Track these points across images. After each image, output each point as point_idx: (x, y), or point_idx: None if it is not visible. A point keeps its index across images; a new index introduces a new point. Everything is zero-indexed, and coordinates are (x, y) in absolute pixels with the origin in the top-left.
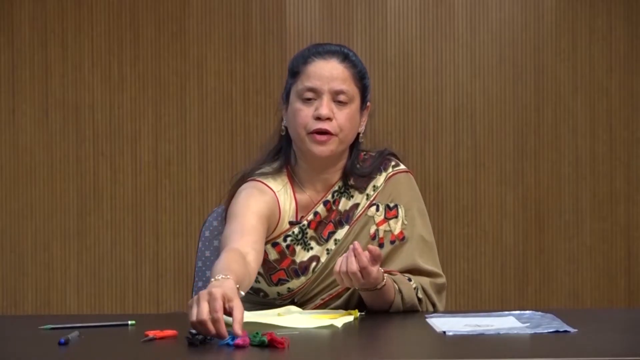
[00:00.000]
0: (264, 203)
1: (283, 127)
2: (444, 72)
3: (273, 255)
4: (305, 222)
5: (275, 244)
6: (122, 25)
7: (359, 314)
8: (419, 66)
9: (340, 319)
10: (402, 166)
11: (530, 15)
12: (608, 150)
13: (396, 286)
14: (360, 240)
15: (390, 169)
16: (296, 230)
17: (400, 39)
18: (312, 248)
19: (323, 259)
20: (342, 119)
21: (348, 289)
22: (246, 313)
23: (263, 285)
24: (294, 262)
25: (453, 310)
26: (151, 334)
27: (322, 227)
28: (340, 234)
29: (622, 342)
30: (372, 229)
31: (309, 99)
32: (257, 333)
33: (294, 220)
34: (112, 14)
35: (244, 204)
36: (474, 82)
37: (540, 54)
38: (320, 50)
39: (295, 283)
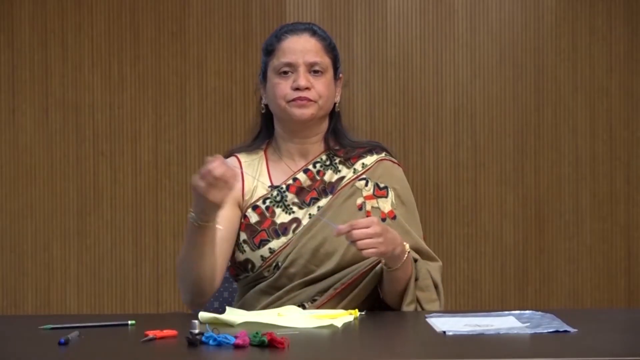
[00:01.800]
0: (231, 191)
1: (263, 106)
2: (444, 72)
3: (254, 218)
4: (283, 186)
5: (255, 207)
6: (122, 25)
7: (359, 314)
8: (419, 66)
9: (340, 319)
10: (394, 159)
11: (530, 15)
12: (608, 150)
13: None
14: (346, 210)
15: (383, 154)
16: (275, 193)
17: (400, 39)
18: (293, 212)
19: (304, 222)
20: (320, 87)
21: (362, 276)
22: (246, 313)
23: (248, 252)
24: (274, 222)
25: (453, 310)
26: (151, 334)
27: (305, 194)
28: (324, 201)
29: (622, 342)
30: (359, 201)
31: (286, 73)
32: (257, 333)
33: (270, 184)
34: (112, 14)
35: None
36: (474, 82)
37: (540, 54)
38: (292, 28)
39: (276, 243)
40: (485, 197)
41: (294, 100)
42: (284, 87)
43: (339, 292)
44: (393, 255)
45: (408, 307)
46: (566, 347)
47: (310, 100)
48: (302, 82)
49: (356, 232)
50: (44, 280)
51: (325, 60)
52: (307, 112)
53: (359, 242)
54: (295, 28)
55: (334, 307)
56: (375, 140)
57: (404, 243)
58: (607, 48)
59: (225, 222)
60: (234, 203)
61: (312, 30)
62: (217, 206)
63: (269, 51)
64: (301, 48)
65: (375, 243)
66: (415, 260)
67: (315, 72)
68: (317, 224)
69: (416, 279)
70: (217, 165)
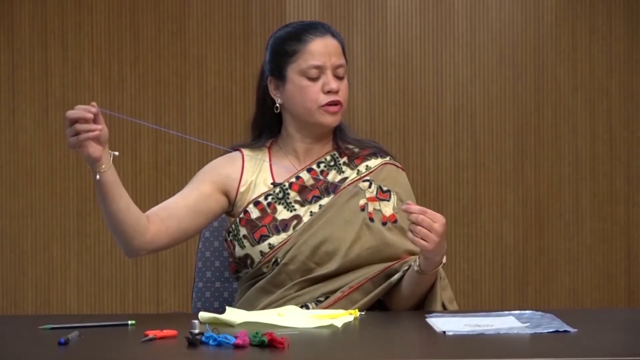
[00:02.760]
0: (221, 176)
1: (278, 105)
2: (444, 72)
3: (255, 213)
4: (286, 184)
5: (256, 203)
6: (122, 25)
7: (359, 313)
8: (419, 66)
9: (340, 319)
10: (398, 164)
11: (530, 15)
12: (608, 150)
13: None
14: (347, 209)
15: (387, 158)
16: (277, 190)
17: (400, 39)
18: (295, 209)
19: (305, 219)
20: (344, 91)
21: (372, 282)
22: (246, 313)
23: (248, 247)
24: (275, 219)
25: (453, 310)
26: (151, 334)
27: (307, 192)
28: (326, 200)
29: (622, 342)
30: (362, 201)
31: (314, 75)
32: (257, 333)
33: (273, 182)
34: (112, 14)
35: (201, 176)
36: (474, 82)
37: (540, 54)
38: (311, 28)
39: (276, 238)
40: (485, 197)
41: (326, 105)
42: (314, 91)
43: (346, 295)
44: (433, 260)
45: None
46: (566, 347)
47: (341, 104)
48: (334, 85)
49: (422, 218)
50: (44, 280)
51: (344, 62)
52: (338, 118)
53: (419, 229)
54: (314, 28)
55: (342, 309)
56: (375, 140)
57: (444, 256)
58: (607, 48)
59: (195, 194)
60: (219, 185)
61: (331, 31)
62: (80, 152)
63: (291, 52)
64: (328, 50)
65: (431, 238)
66: None
67: (339, 74)
68: (318, 222)
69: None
70: (73, 111)
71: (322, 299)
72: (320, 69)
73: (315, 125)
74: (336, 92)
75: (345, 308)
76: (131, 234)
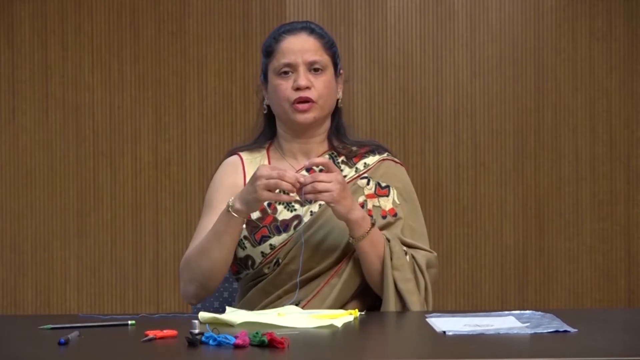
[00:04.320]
0: (229, 188)
1: (265, 106)
2: (444, 72)
3: (255, 214)
4: None
5: None
6: (122, 25)
7: (359, 313)
8: (419, 66)
9: (340, 319)
10: (396, 159)
11: (530, 15)
12: (608, 150)
13: (384, 236)
14: None
15: (385, 154)
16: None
17: (400, 39)
18: (295, 209)
19: (306, 219)
20: (320, 86)
21: (347, 262)
22: (246, 313)
23: (249, 248)
24: (275, 219)
25: (453, 310)
26: (151, 334)
27: None
28: None
29: (622, 342)
30: (361, 199)
31: (287, 73)
32: (257, 333)
33: None
34: (112, 14)
35: (215, 196)
36: (474, 82)
37: (540, 54)
38: (289, 28)
39: (277, 239)
40: (485, 197)
41: (295, 102)
42: (285, 88)
43: (327, 281)
44: (348, 217)
45: (390, 293)
46: (566, 347)
47: (311, 101)
48: (303, 82)
49: (316, 175)
50: (44, 280)
51: (324, 58)
52: (310, 116)
53: (321, 185)
54: (292, 27)
55: (324, 299)
56: (376, 139)
57: (369, 218)
58: (607, 48)
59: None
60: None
61: (309, 28)
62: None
63: (268, 52)
64: (300, 48)
65: (332, 186)
66: (389, 240)
67: (315, 70)
68: (318, 221)
69: (392, 252)
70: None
71: (309, 292)
72: (292, 66)
73: (290, 122)
74: (307, 88)
75: (327, 295)
76: (217, 280)
